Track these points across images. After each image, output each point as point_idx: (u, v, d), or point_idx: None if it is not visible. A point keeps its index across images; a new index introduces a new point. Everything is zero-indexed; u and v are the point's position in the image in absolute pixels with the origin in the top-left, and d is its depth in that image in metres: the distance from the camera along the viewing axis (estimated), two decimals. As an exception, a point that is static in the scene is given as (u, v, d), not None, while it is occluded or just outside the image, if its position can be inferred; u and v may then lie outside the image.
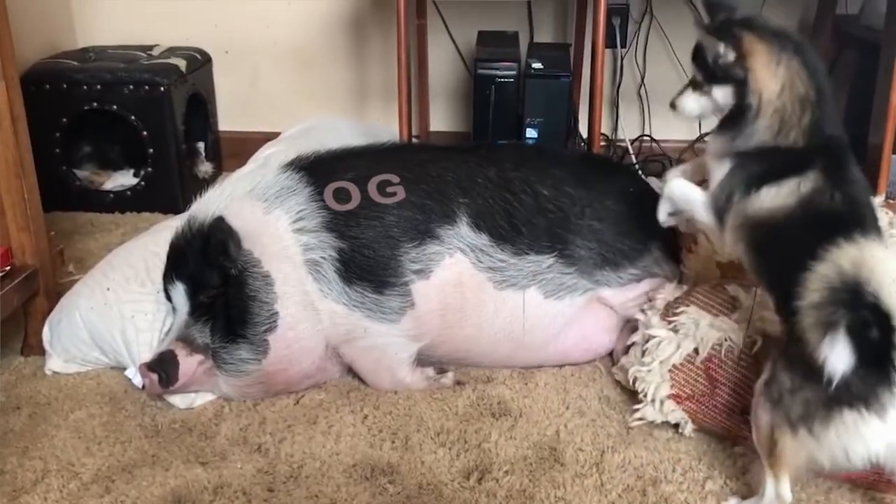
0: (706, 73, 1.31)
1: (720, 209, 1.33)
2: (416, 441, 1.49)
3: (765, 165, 1.28)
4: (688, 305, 1.52)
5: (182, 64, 2.51)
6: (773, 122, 1.27)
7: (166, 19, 2.72)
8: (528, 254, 1.60)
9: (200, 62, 2.65)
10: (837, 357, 1.06)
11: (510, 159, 1.69)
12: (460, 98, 2.76)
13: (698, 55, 1.32)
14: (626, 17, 2.55)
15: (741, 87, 1.28)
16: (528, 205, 1.62)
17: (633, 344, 1.60)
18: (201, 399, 1.60)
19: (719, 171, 1.33)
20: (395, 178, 1.58)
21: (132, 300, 1.66)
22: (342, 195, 1.56)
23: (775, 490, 1.23)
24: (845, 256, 1.08)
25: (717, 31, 1.29)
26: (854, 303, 1.05)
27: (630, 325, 1.67)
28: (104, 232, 2.36)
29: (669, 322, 1.52)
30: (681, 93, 1.37)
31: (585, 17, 2.43)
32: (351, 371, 1.66)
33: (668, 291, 1.61)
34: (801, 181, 1.25)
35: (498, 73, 2.16)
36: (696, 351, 1.47)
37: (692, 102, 1.35)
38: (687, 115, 1.38)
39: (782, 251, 1.25)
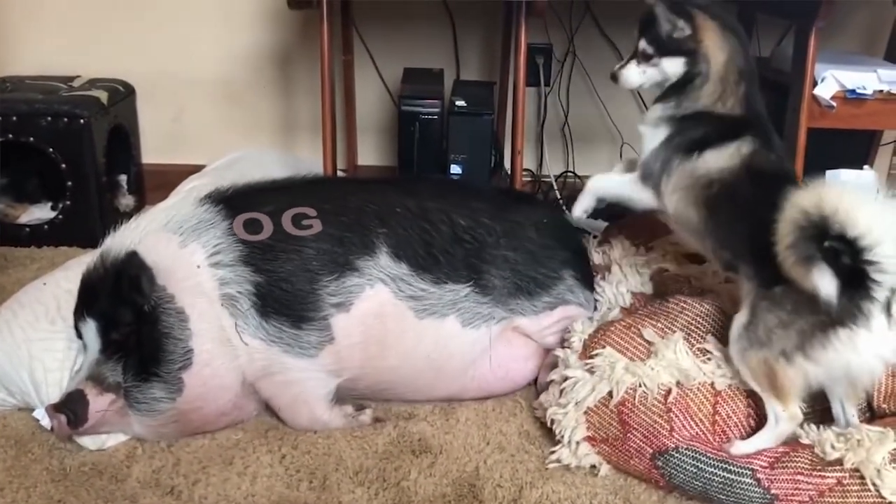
0: (658, 45, 1.48)
1: (654, 176, 1.50)
2: (335, 481, 1.47)
3: (705, 130, 1.46)
4: (603, 347, 1.53)
5: (104, 96, 2.47)
6: (717, 88, 1.47)
7: (89, 50, 2.67)
8: (446, 282, 1.61)
9: (123, 94, 2.60)
10: (825, 283, 1.24)
11: (429, 191, 1.71)
12: (388, 133, 2.78)
13: (649, 30, 1.49)
14: (549, 56, 2.61)
15: (692, 57, 1.47)
16: (445, 234, 1.63)
17: (553, 381, 1.62)
18: (113, 440, 1.55)
19: (654, 139, 1.50)
20: (311, 212, 1.57)
21: (41, 338, 1.60)
22: (254, 226, 1.54)
23: (787, 412, 1.37)
24: (806, 200, 1.24)
25: (673, 9, 1.47)
26: (822, 236, 1.22)
27: (551, 358, 1.68)
28: (18, 267, 2.28)
29: (586, 363, 1.54)
30: (622, 66, 1.53)
31: (509, 56, 2.48)
32: (269, 409, 1.63)
33: (583, 328, 1.62)
34: (741, 144, 1.44)
35: (422, 110, 2.18)
36: (610, 394, 1.48)
37: (635, 75, 1.52)
38: (629, 86, 1.55)
39: (734, 206, 1.42)
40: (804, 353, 1.31)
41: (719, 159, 1.44)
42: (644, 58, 1.51)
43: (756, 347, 1.37)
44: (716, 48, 1.46)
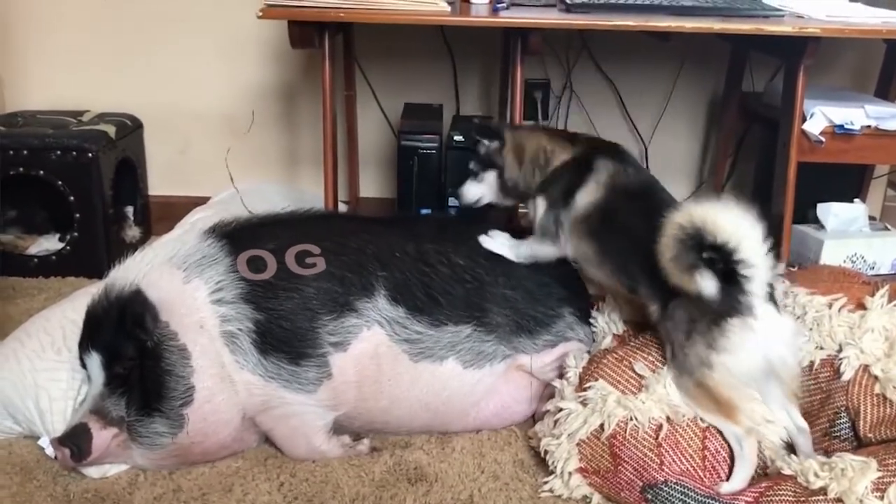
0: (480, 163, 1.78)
1: (552, 232, 1.68)
2: (331, 508, 1.50)
3: (566, 180, 1.67)
4: (596, 379, 1.56)
5: (112, 130, 2.53)
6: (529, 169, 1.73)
7: (98, 85, 2.74)
8: (446, 324, 1.63)
9: (131, 128, 2.66)
10: (707, 283, 1.41)
11: (428, 232, 1.73)
12: (390, 166, 2.82)
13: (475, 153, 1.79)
14: (547, 91, 2.67)
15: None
16: (445, 276, 1.66)
17: (548, 411, 1.65)
18: (115, 468, 1.59)
19: (539, 209, 1.70)
20: (315, 249, 1.60)
21: (47, 368, 1.64)
22: (257, 264, 1.57)
23: (743, 428, 1.44)
24: (680, 217, 1.41)
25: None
26: (699, 248, 1.39)
27: (550, 389, 1.71)
28: (26, 297, 2.32)
29: (579, 395, 1.57)
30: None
31: (507, 91, 2.53)
32: (269, 439, 1.66)
33: (576, 363, 1.65)
34: (595, 175, 1.64)
35: (420, 144, 2.23)
36: (602, 427, 1.50)
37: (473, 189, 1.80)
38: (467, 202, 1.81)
39: (613, 229, 1.60)
40: (714, 349, 1.43)
41: (587, 195, 1.63)
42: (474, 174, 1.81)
43: (686, 373, 1.47)
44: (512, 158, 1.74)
